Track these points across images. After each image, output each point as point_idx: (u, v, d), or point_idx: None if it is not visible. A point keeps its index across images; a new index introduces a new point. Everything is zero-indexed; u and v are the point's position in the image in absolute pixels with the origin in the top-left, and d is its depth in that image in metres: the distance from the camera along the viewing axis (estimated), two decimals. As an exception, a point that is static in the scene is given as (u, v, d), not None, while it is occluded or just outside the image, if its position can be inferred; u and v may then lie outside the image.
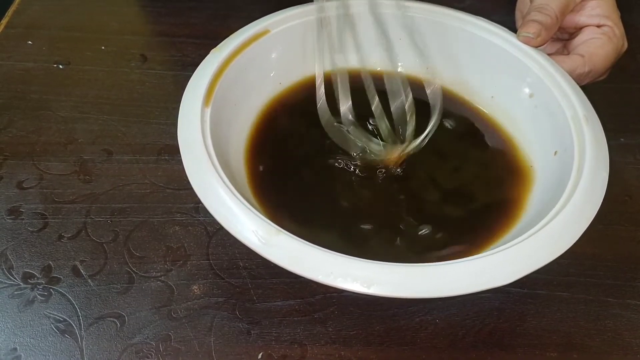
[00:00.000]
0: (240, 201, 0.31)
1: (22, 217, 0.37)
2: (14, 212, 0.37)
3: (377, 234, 0.36)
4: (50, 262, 0.35)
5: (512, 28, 0.43)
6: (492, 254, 0.30)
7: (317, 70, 0.40)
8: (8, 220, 0.37)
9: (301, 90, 0.43)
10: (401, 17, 0.43)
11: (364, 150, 0.39)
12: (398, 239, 0.36)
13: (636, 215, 0.40)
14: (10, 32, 0.50)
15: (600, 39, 0.42)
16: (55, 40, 0.49)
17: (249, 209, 0.30)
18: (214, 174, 0.32)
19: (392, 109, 0.40)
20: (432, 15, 0.43)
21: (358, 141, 0.39)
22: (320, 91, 0.39)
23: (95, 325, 0.32)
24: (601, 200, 0.32)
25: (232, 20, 0.51)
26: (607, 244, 0.38)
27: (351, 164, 0.39)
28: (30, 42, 0.49)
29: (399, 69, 0.45)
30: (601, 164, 0.34)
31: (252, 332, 0.33)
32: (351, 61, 0.43)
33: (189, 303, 0.34)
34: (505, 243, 0.31)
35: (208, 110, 0.35)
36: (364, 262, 0.29)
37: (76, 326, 0.32)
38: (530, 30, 0.40)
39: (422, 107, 0.40)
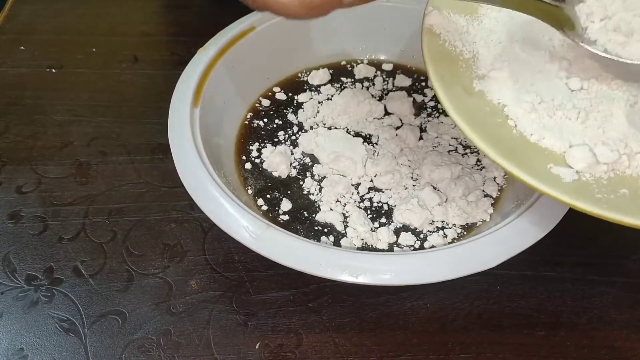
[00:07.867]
0: (231, 198, 0.32)
1: (23, 221, 0.38)
2: (14, 217, 0.38)
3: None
4: (52, 264, 0.36)
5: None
6: (477, 239, 0.31)
7: None
8: (9, 225, 0.38)
9: (289, 85, 0.44)
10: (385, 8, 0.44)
11: None
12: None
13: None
14: (2, 39, 0.50)
15: None
16: (46, 45, 0.50)
17: (239, 205, 0.31)
18: (204, 173, 0.33)
19: None
20: (418, 5, 0.44)
21: None
22: None
23: (98, 323, 0.33)
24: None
25: (219, 16, 0.51)
26: (592, 223, 0.38)
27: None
28: (22, 47, 0.50)
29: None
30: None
31: (249, 323, 0.34)
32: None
33: (187, 298, 0.35)
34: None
35: (197, 111, 0.36)
36: (351, 252, 0.30)
37: (79, 324, 0.33)
38: None
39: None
